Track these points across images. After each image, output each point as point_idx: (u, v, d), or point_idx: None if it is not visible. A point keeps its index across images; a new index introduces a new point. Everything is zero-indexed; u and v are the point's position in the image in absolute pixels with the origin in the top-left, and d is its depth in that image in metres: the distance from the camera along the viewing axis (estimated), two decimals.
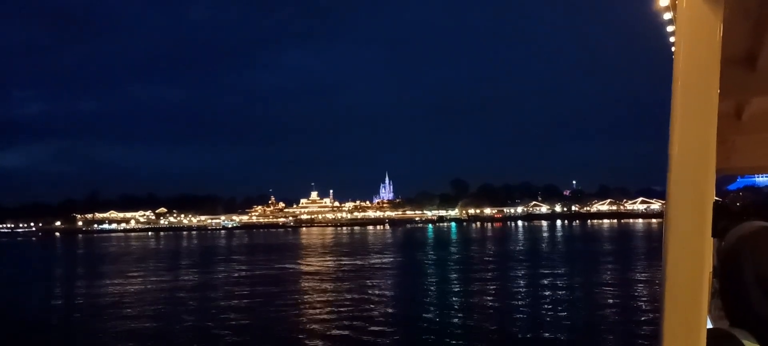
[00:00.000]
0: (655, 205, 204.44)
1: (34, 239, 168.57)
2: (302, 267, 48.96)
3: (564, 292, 30.86)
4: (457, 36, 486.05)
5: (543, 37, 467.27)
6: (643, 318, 23.67)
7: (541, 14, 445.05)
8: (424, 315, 24.73)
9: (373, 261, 52.59)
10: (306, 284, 36.61)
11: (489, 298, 28.92)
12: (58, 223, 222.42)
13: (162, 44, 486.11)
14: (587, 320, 23.58)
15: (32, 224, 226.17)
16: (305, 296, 31.14)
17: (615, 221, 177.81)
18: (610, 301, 27.42)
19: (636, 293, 29.91)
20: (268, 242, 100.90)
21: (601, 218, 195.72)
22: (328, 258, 58.14)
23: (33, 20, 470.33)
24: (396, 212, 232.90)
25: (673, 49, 1.72)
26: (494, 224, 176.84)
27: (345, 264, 50.27)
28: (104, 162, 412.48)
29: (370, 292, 31.91)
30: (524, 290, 31.67)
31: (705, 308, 1.58)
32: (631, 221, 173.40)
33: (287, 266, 50.09)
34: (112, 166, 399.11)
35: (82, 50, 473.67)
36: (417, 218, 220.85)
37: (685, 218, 1.58)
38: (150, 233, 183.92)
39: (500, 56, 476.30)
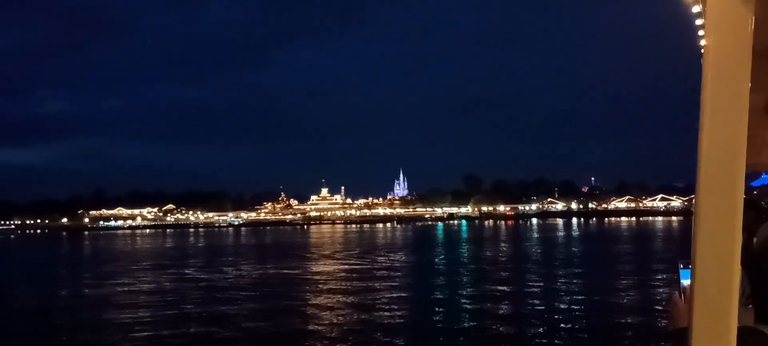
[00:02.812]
0: (676, 202, 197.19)
1: (12, 236, 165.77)
2: (286, 271, 43.94)
3: (578, 302, 25.63)
4: (473, 32, 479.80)
5: (562, 32, 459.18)
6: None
7: (560, 9, 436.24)
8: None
9: (370, 266, 47.39)
10: (293, 293, 31.47)
11: (497, 310, 23.69)
12: (64, 220, 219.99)
13: (180, 44, 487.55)
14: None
15: (39, 220, 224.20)
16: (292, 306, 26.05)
17: (633, 219, 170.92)
18: (628, 318, 22.17)
19: (656, 305, 24.80)
20: (266, 242, 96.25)
21: (619, 216, 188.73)
22: (319, 262, 53.08)
23: (55, 20, 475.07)
24: (406, 209, 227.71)
25: (702, 42, 1.68)
26: (507, 222, 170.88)
27: (343, 269, 45.34)
28: (120, 160, 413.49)
29: (366, 306, 26.71)
30: (534, 301, 26.28)
31: (735, 304, 1.57)
32: (650, 219, 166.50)
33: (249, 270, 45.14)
34: (127, 164, 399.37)
35: (102, 50, 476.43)
36: (427, 216, 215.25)
37: (715, 215, 1.56)
38: (148, 231, 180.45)
39: (519, 52, 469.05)
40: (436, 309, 26.27)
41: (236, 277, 41.67)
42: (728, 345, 1.54)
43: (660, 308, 24.32)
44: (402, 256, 57.40)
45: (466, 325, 22.58)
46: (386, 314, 24.97)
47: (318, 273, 43.11)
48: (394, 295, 30.55)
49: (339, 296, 30.48)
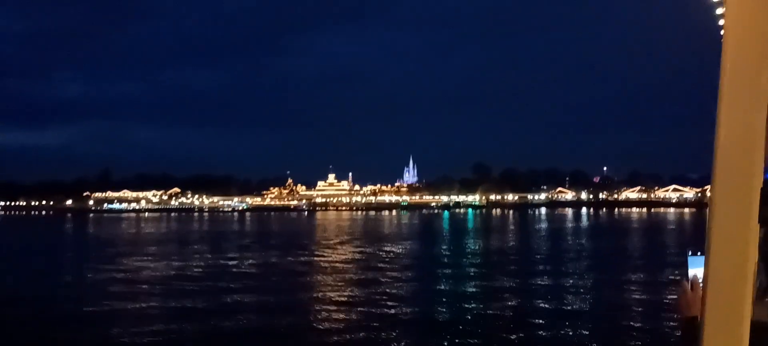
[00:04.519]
0: (688, 193, 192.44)
1: None
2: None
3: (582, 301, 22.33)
4: (488, 20, 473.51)
5: (577, 22, 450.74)
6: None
7: None
8: None
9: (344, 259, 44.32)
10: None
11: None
12: (69, 202, 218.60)
13: (196, 29, 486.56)
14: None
15: (44, 202, 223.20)
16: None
17: (644, 209, 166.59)
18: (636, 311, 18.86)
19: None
20: (256, 229, 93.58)
21: (630, 206, 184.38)
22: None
23: (73, 4, 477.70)
24: (412, 197, 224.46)
25: (721, 32, 1.65)
26: (509, 211, 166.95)
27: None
28: (134, 143, 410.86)
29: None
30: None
31: (749, 298, 1.54)
32: (662, 210, 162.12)
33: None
34: (140, 148, 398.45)
35: (120, 34, 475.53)
36: (433, 204, 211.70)
37: (730, 206, 1.54)
38: (147, 214, 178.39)
39: (534, 41, 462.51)
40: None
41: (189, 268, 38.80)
42: (741, 339, 1.52)
43: (670, 299, 22.02)
44: (387, 249, 54.25)
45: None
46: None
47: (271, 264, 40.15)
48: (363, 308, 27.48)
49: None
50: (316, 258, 42.56)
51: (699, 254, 2.41)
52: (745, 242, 1.52)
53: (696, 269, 2.43)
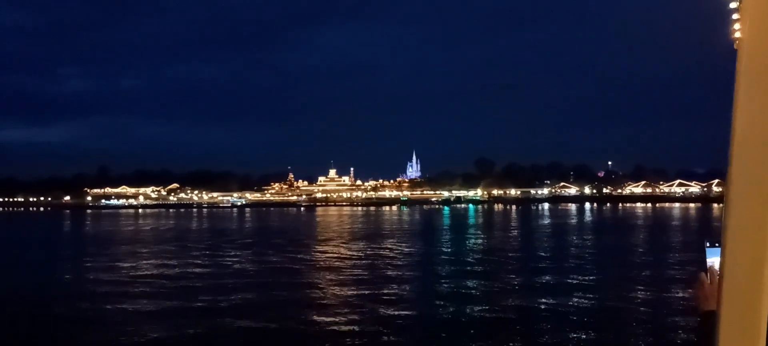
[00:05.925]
0: (694, 188, 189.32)
1: None
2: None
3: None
4: (492, 14, 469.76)
5: (581, 15, 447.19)
6: None
7: None
8: None
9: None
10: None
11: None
12: (67, 198, 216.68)
13: (199, 23, 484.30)
14: None
15: (42, 198, 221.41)
16: None
17: (649, 204, 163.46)
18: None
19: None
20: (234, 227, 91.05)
21: (634, 202, 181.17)
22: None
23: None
24: (414, 192, 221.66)
25: (736, 26, 1.63)
26: (510, 206, 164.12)
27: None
28: (137, 139, 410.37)
29: None
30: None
31: (766, 292, 1.54)
32: (667, 205, 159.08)
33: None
34: (143, 143, 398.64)
35: (124, 29, 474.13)
36: (434, 199, 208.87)
37: (746, 200, 1.53)
38: (141, 211, 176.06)
39: (537, 35, 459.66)
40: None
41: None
42: (758, 333, 1.52)
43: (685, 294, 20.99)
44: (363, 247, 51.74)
45: None
46: None
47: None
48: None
49: None
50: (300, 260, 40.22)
51: (716, 245, 2.35)
52: (761, 236, 1.51)
53: (714, 260, 2.36)
